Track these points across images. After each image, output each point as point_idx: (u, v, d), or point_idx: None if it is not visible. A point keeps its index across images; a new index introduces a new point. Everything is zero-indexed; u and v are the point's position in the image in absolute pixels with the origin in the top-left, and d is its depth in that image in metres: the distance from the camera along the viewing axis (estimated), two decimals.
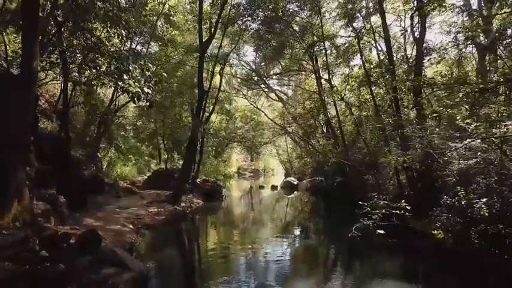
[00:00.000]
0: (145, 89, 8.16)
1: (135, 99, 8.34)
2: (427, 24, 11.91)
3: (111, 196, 12.18)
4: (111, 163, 16.62)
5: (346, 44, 16.13)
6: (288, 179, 23.56)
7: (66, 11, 8.64)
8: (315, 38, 16.54)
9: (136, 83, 8.06)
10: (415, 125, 8.77)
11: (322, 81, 17.59)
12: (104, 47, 8.65)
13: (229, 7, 15.16)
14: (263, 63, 22.01)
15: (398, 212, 6.10)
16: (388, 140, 10.85)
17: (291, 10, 16.30)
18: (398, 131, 9.25)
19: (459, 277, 6.05)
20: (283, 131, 23.09)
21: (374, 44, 13.77)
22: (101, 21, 8.45)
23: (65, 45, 8.64)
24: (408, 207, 6.13)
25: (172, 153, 21.20)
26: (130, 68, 8.14)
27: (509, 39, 9.69)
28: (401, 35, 13.18)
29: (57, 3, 8.51)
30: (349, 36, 15.95)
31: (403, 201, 6.21)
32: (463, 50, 13.15)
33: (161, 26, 15.81)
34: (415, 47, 11.74)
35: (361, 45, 14.33)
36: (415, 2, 11.16)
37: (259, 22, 16.60)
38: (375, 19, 13.81)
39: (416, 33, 11.37)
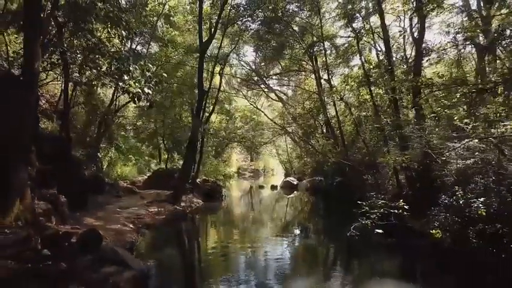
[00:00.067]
0: (146, 90, 8.20)
1: (136, 99, 8.38)
2: (426, 25, 11.95)
3: (112, 196, 12.23)
4: (112, 163, 16.67)
5: (346, 45, 16.19)
6: (288, 179, 23.58)
7: (66, 12, 8.69)
8: (315, 38, 16.59)
9: (136, 84, 8.10)
10: (414, 125, 8.82)
11: (322, 81, 17.64)
12: (104, 47, 8.70)
13: (229, 7, 15.20)
14: (263, 64, 22.07)
15: (396, 211, 6.14)
16: (387, 140, 10.90)
17: (290, 10, 16.35)
18: (397, 131, 9.30)
19: (457, 276, 6.08)
20: (283, 131, 23.14)
21: (373, 45, 13.81)
22: (102, 22, 8.50)
23: (65, 45, 8.69)
24: (406, 207, 6.17)
25: (172, 153, 21.24)
26: (130, 68, 8.19)
27: (508, 40, 9.73)
28: (399, 36, 13.21)
29: (57, 4, 8.56)
30: (349, 37, 16.01)
31: (401, 200, 6.25)
32: (462, 50, 13.21)
33: (161, 26, 15.87)
34: (414, 47, 11.78)
35: (361, 45, 14.37)
36: (414, 3, 11.19)
37: (259, 22, 16.66)
38: (375, 19, 13.85)
39: (415, 34, 11.42)
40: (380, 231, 5.71)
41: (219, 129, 22.77)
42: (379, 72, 11.62)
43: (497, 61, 10.58)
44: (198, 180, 15.89)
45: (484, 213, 5.89)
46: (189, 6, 16.99)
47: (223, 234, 10.21)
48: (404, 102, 11.07)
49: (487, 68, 11.21)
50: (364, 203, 6.36)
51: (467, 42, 11.24)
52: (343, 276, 6.33)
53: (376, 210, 6.04)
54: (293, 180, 22.81)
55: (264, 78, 22.74)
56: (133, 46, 15.25)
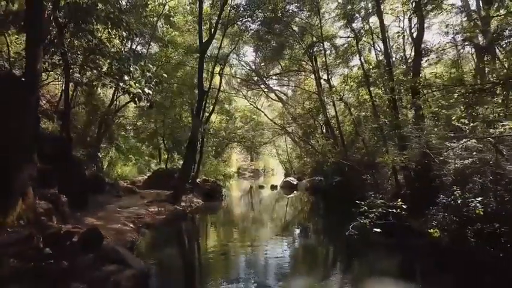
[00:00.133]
0: (146, 90, 8.26)
1: (136, 99, 8.43)
2: (425, 25, 12.00)
3: (112, 196, 12.28)
4: (112, 163, 16.72)
5: (345, 45, 16.24)
6: (288, 178, 23.61)
7: (67, 13, 8.74)
8: (314, 39, 16.64)
9: (137, 84, 8.16)
10: (413, 125, 8.87)
11: (322, 81, 17.69)
12: (105, 48, 8.75)
13: (229, 8, 15.25)
14: (263, 64, 22.13)
15: (395, 211, 6.19)
16: (386, 140, 10.95)
17: (290, 11, 16.40)
18: (396, 131, 9.35)
19: (456, 275, 6.11)
20: (283, 131, 23.19)
21: (373, 45, 13.87)
22: (102, 23, 8.55)
23: (66, 46, 8.74)
24: (405, 206, 6.22)
25: (172, 153, 21.29)
26: (131, 69, 8.24)
27: (507, 40, 9.78)
28: (398, 36, 13.26)
29: (58, 5, 8.61)
30: (348, 37, 16.07)
31: (399, 200, 6.30)
32: (461, 50, 13.26)
33: (161, 26, 15.92)
34: (413, 47, 11.83)
35: (360, 45, 14.43)
36: (414, 4, 11.24)
37: (259, 23, 16.71)
38: (374, 20, 13.91)
39: (414, 34, 11.47)
40: (378, 230, 5.76)
41: (219, 129, 22.81)
42: (378, 72, 11.66)
43: (497, 61, 10.63)
44: (198, 180, 15.94)
45: (481, 213, 5.93)
46: (189, 7, 17.04)
47: (223, 234, 10.25)
48: (403, 102, 11.13)
49: (486, 69, 11.27)
50: (362, 202, 6.41)
51: (466, 43, 11.29)
52: (342, 275, 6.38)
53: (374, 210, 6.09)
54: (293, 180, 22.84)
55: (264, 78, 22.79)
56: (134, 46, 15.30)
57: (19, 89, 5.98)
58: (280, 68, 22.52)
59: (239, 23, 16.59)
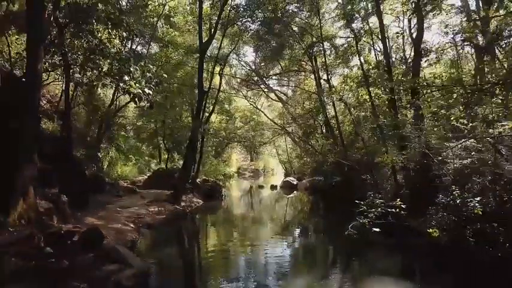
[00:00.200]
0: (146, 90, 8.29)
1: (136, 100, 8.46)
2: (425, 25, 12.03)
3: (112, 196, 12.32)
4: (112, 163, 16.76)
5: (345, 45, 16.26)
6: (288, 178, 23.64)
7: (67, 13, 8.77)
8: (314, 39, 16.65)
9: (137, 84, 8.18)
10: (412, 125, 8.89)
11: (322, 81, 17.71)
12: (105, 48, 8.78)
13: (228, 8, 15.27)
14: (263, 64, 22.14)
15: (394, 210, 6.21)
16: (386, 140, 10.97)
17: (290, 11, 16.41)
18: (395, 131, 9.37)
19: (455, 275, 6.13)
20: (283, 131, 23.22)
21: (372, 45, 13.89)
22: (103, 23, 8.58)
23: (66, 46, 8.77)
24: (404, 206, 6.24)
25: (172, 153, 21.32)
26: (131, 69, 8.27)
27: (506, 41, 9.80)
28: (397, 37, 13.30)
29: (58, 5, 8.64)
30: (348, 37, 16.09)
31: (398, 199, 6.32)
32: (461, 51, 13.29)
33: (161, 27, 15.95)
34: (413, 47, 11.86)
35: (360, 46, 14.45)
36: (413, 4, 11.27)
37: (259, 23, 16.72)
38: (374, 20, 13.92)
39: (414, 35, 11.50)
40: (377, 229, 5.78)
41: (219, 129, 22.83)
42: (378, 72, 11.69)
43: (496, 62, 10.66)
44: (198, 180, 15.97)
45: (480, 213, 5.95)
46: (189, 7, 17.07)
47: (223, 234, 10.28)
48: (403, 102, 11.15)
49: (485, 69, 11.30)
50: (361, 202, 6.43)
51: (466, 43, 11.32)
52: (342, 275, 6.40)
53: (373, 210, 6.11)
54: (293, 180, 22.86)
55: (264, 79, 22.82)
56: (134, 47, 15.34)
57: (20, 89, 6.01)
58: (280, 68, 22.54)
59: (239, 23, 16.61)
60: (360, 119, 14.42)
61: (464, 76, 8.36)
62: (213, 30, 14.19)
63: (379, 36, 11.88)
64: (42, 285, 4.07)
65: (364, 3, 13.92)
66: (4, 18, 8.86)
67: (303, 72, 21.61)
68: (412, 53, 11.82)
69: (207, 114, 17.14)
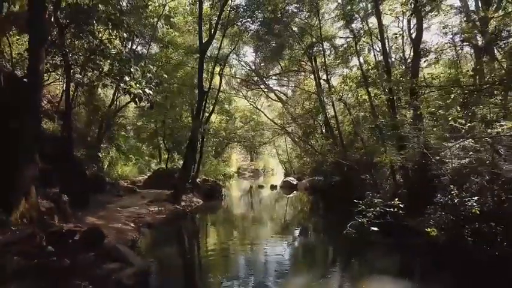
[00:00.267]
0: (147, 90, 8.34)
1: (137, 100, 8.51)
2: (425, 26, 12.09)
3: (113, 195, 12.37)
4: (112, 163, 16.80)
5: (345, 45, 16.29)
6: (288, 178, 23.68)
7: (68, 14, 8.82)
8: (314, 39, 16.69)
9: (137, 85, 8.23)
10: (411, 125, 8.94)
11: (321, 81, 17.76)
12: (105, 49, 8.83)
13: (228, 8, 15.31)
14: (262, 64, 22.17)
15: (392, 210, 6.25)
16: (385, 140, 11.02)
17: (290, 11, 16.44)
18: (394, 131, 9.42)
19: (453, 274, 6.16)
20: (283, 131, 23.24)
21: (372, 45, 13.94)
22: (103, 24, 8.63)
23: (67, 47, 8.82)
24: (402, 205, 6.29)
25: (173, 153, 21.37)
26: (131, 69, 8.32)
27: (505, 41, 9.85)
28: (396, 37, 13.33)
29: (59, 6, 8.69)
30: (348, 38, 16.12)
31: (396, 199, 6.36)
32: (460, 51, 13.34)
33: (161, 27, 16.00)
34: (412, 48, 11.91)
35: (360, 46, 14.49)
36: (413, 4, 11.32)
37: (259, 23, 16.75)
38: (373, 20, 13.96)
39: (413, 35, 11.54)
40: (375, 229, 5.82)
41: (219, 129, 22.87)
42: (377, 73, 11.74)
43: (495, 62, 10.70)
44: (198, 179, 16.01)
45: (478, 212, 6.00)
46: (189, 7, 17.11)
47: (223, 233, 10.33)
48: (402, 102, 11.19)
49: (485, 69, 11.34)
50: (360, 202, 6.47)
51: (465, 44, 11.37)
52: (341, 273, 6.44)
53: (372, 209, 6.16)
54: (293, 180, 22.91)
55: (264, 79, 22.84)
56: (134, 47, 15.39)
57: (21, 89, 6.06)
58: (280, 68, 22.57)
59: (239, 23, 16.65)
60: (359, 119, 14.46)
61: (462, 77, 8.40)
62: (213, 30, 14.23)
63: (379, 36, 11.93)
64: (44, 284, 4.12)
65: (364, 3, 13.98)
66: (5, 19, 8.89)
67: (302, 73, 21.64)
68: (412, 53, 11.87)
69: (207, 114, 17.17)
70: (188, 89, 18.13)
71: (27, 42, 7.50)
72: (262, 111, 24.93)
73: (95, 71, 9.03)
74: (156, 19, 15.13)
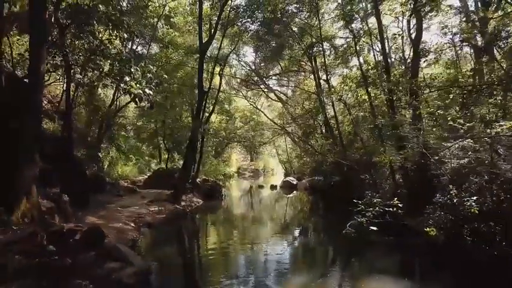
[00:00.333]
0: (147, 90, 8.36)
1: (137, 100, 8.53)
2: (424, 26, 12.11)
3: (113, 195, 12.39)
4: (112, 163, 16.82)
5: (345, 45, 16.32)
6: (287, 178, 23.70)
7: (69, 14, 8.84)
8: (314, 39, 16.72)
9: (137, 85, 8.26)
10: (410, 125, 8.97)
11: (321, 81, 17.78)
12: (106, 49, 8.85)
13: (228, 9, 15.34)
14: (262, 64, 22.20)
15: (392, 209, 6.27)
16: (384, 140, 11.04)
17: (289, 11, 16.46)
18: (393, 131, 9.44)
19: (452, 274, 6.18)
20: (283, 131, 23.27)
21: (371, 46, 13.96)
22: (103, 24, 8.65)
23: (67, 47, 8.84)
24: (401, 205, 6.31)
25: (173, 153, 21.40)
26: (132, 69, 8.34)
27: (504, 41, 9.88)
28: (395, 38, 13.36)
29: (59, 6, 8.71)
30: (347, 38, 16.15)
31: (396, 199, 6.39)
32: (460, 51, 13.36)
33: (161, 27, 16.03)
34: (412, 48, 11.93)
35: (359, 46, 14.52)
36: (412, 4, 11.34)
37: (259, 23, 16.78)
38: (373, 20, 13.99)
39: (413, 35, 11.57)
40: (374, 228, 5.84)
41: (219, 129, 22.89)
42: (377, 73, 11.76)
43: (495, 62, 10.72)
44: (198, 179, 16.03)
45: (477, 212, 6.02)
46: (189, 8, 17.14)
47: (223, 233, 10.35)
48: (402, 102, 11.22)
49: (484, 69, 11.37)
50: (359, 201, 6.49)
51: (465, 44, 11.40)
52: (340, 273, 6.46)
53: (371, 209, 6.18)
54: (292, 180, 22.93)
55: (264, 79, 22.87)
56: (134, 47, 15.42)
57: (21, 89, 6.09)
58: (279, 68, 22.60)
59: (239, 23, 16.68)
60: (359, 119, 14.48)
61: (461, 77, 8.43)
62: (213, 30, 14.25)
63: (378, 36, 11.96)
64: (45, 283, 4.14)
65: (364, 3, 14.01)
66: (5, 19, 8.92)
67: (302, 73, 21.67)
68: (411, 54, 11.89)
69: (207, 114, 17.20)
70: (188, 89, 18.15)
71: (27, 43, 7.54)
72: (262, 111, 24.96)
73: (95, 71, 9.05)
74: (156, 19, 15.16)
